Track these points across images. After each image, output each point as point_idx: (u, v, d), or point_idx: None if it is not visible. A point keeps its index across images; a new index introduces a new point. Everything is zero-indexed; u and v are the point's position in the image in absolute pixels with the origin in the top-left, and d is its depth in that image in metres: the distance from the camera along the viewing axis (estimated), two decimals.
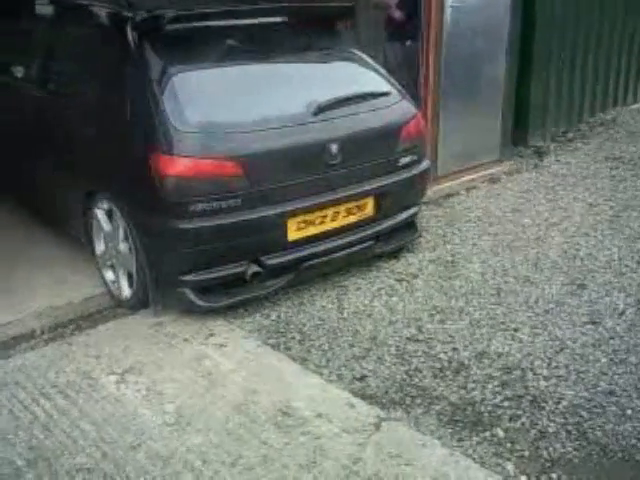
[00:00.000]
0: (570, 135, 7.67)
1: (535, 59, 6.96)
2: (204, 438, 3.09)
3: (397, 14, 6.84)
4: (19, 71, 4.96)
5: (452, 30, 5.82)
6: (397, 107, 4.56)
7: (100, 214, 4.24)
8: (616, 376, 3.55)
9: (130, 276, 4.16)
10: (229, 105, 3.99)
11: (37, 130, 4.74)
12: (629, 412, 3.28)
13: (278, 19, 4.48)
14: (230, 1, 4.58)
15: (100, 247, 4.37)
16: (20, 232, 5.21)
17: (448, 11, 5.71)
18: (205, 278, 3.95)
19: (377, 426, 3.17)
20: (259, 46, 4.32)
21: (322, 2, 4.90)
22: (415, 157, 4.62)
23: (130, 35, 3.91)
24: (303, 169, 4.06)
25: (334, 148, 4.08)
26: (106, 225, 4.23)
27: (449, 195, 6.07)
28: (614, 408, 3.31)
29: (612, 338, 3.88)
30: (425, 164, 4.79)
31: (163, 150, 3.72)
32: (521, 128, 7.10)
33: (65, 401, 3.37)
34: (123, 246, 4.11)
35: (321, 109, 4.11)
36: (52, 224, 5.02)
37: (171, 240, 3.84)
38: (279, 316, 4.13)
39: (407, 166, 4.57)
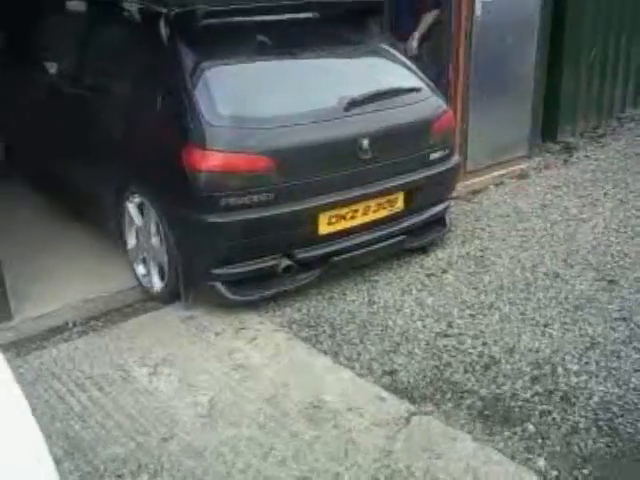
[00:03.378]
0: (600, 131, 7.61)
1: (565, 54, 6.90)
2: (236, 430, 3.13)
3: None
4: (52, 67, 5.01)
5: (482, 25, 5.79)
6: (428, 102, 4.55)
7: (132, 208, 4.28)
8: None
9: (161, 270, 4.20)
10: (261, 100, 4.02)
11: (69, 124, 4.80)
12: None
13: (309, 14, 4.50)
14: None
15: (131, 241, 4.41)
16: (51, 225, 5.27)
17: (478, 6, 5.68)
18: (237, 272, 3.98)
19: (408, 420, 3.19)
20: (291, 41, 4.35)
21: None
22: (445, 152, 4.62)
23: (163, 30, 3.95)
24: (335, 164, 4.07)
25: (365, 143, 4.08)
26: (137, 219, 4.28)
27: (478, 191, 6.05)
28: None
29: None
30: (455, 159, 4.79)
31: (196, 144, 3.74)
32: (550, 124, 7.06)
33: (99, 393, 3.42)
34: (155, 240, 4.15)
35: (353, 104, 4.11)
36: (83, 218, 5.07)
37: (203, 234, 3.87)
38: (309, 310, 4.15)
39: (437, 161, 4.57)
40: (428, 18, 6.24)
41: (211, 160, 3.73)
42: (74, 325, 4.05)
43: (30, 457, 1.58)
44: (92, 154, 4.57)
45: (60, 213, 5.36)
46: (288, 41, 4.35)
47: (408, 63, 4.70)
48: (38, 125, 5.29)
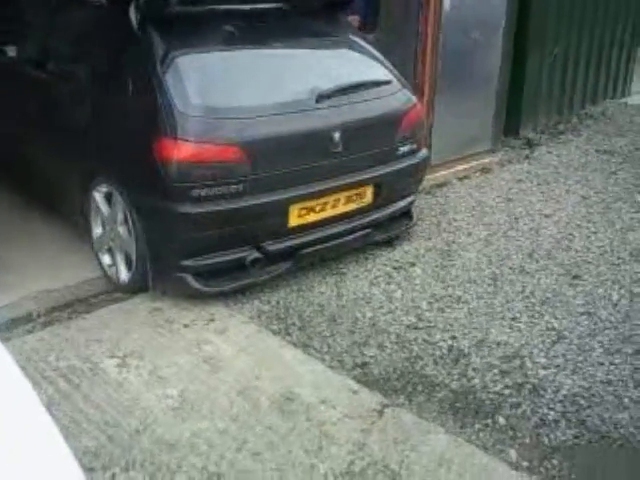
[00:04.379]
0: (561, 127, 7.72)
1: (529, 51, 6.99)
2: (209, 423, 3.10)
3: None
4: (11, 50, 4.88)
5: (449, 20, 5.82)
6: (398, 96, 4.57)
7: (99, 197, 4.21)
8: (612, 366, 3.59)
9: (128, 260, 4.14)
10: (233, 90, 3.99)
11: (34, 111, 4.69)
12: (626, 401, 3.33)
13: (281, 5, 4.47)
14: None
15: (97, 230, 4.34)
16: (15, 214, 5.16)
17: (447, 1, 5.71)
18: (206, 263, 3.95)
19: (380, 412, 3.20)
20: (263, 32, 4.33)
21: None
22: (414, 146, 4.65)
23: (133, 17, 3.88)
24: (305, 156, 4.06)
25: (336, 136, 4.08)
26: (104, 208, 4.21)
27: (442, 184, 6.09)
28: (611, 397, 3.36)
29: (607, 328, 3.93)
30: (423, 153, 4.81)
31: (166, 134, 3.70)
32: (513, 119, 7.14)
33: (67, 385, 3.35)
34: (122, 230, 4.09)
35: (324, 97, 4.11)
36: (48, 206, 4.97)
37: (172, 225, 3.83)
38: (278, 302, 4.13)
39: (406, 155, 4.59)
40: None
41: (182, 150, 3.69)
42: (38, 316, 3.96)
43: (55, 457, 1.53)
44: (58, 142, 4.47)
45: (20, 201, 5.25)
46: (260, 32, 4.32)
47: (378, 56, 4.70)
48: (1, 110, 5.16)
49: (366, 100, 4.35)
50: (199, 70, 3.94)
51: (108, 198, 4.16)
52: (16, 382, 1.69)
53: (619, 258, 4.77)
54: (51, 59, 4.64)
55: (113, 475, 2.79)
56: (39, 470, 1.47)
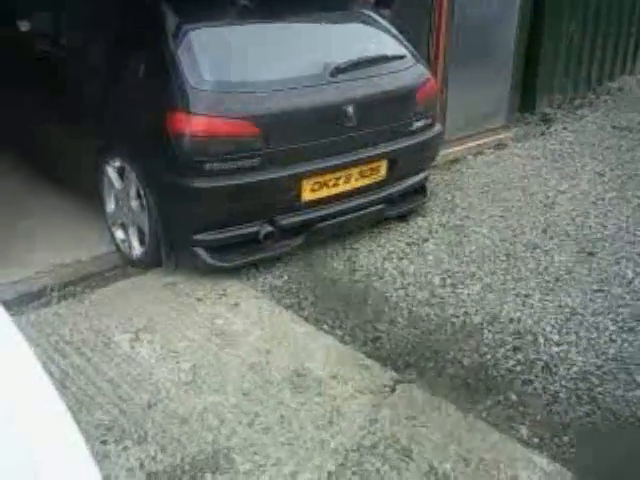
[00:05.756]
0: (577, 102, 7.64)
1: (546, 26, 6.89)
2: (220, 397, 3.11)
3: None
4: (24, 25, 4.87)
5: None
6: (412, 71, 4.53)
7: (111, 171, 4.22)
8: (625, 344, 3.58)
9: (141, 235, 4.15)
10: (246, 65, 3.96)
11: (48, 84, 4.68)
12: (638, 379, 3.32)
13: None
14: None
15: (110, 205, 4.35)
16: (27, 188, 5.17)
17: None
18: (219, 238, 3.95)
19: (392, 388, 3.20)
20: (276, 6, 4.27)
21: None
22: (428, 121, 4.61)
23: None
24: (319, 131, 4.03)
25: (350, 110, 4.06)
26: (117, 183, 4.21)
27: (456, 160, 6.05)
28: (624, 375, 3.34)
29: (621, 306, 3.91)
30: (437, 128, 4.77)
31: (180, 108, 3.69)
32: (529, 94, 7.06)
33: (80, 358, 3.38)
34: (135, 204, 4.10)
35: (338, 71, 4.08)
36: (61, 181, 4.98)
37: (185, 199, 3.83)
38: (291, 277, 4.14)
39: (420, 130, 4.55)
40: None
41: (195, 124, 3.68)
42: (52, 290, 3.98)
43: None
44: (72, 115, 4.47)
45: (31, 175, 5.26)
46: (274, 6, 4.27)
47: (393, 30, 4.65)
48: (13, 81, 5.14)
49: (380, 74, 4.31)
50: (212, 44, 3.92)
51: (121, 173, 4.17)
52: (23, 357, 1.68)
53: (634, 235, 4.73)
54: (65, 33, 4.63)
55: (125, 448, 2.82)
56: (46, 448, 1.47)
